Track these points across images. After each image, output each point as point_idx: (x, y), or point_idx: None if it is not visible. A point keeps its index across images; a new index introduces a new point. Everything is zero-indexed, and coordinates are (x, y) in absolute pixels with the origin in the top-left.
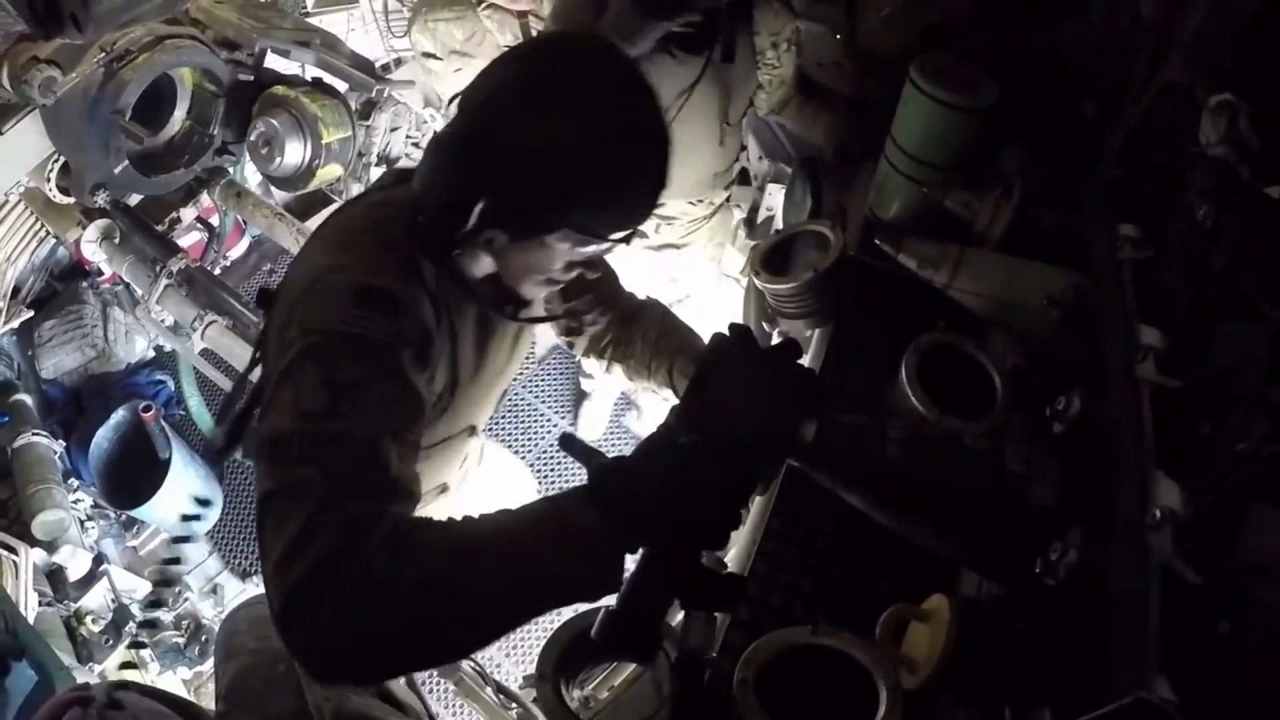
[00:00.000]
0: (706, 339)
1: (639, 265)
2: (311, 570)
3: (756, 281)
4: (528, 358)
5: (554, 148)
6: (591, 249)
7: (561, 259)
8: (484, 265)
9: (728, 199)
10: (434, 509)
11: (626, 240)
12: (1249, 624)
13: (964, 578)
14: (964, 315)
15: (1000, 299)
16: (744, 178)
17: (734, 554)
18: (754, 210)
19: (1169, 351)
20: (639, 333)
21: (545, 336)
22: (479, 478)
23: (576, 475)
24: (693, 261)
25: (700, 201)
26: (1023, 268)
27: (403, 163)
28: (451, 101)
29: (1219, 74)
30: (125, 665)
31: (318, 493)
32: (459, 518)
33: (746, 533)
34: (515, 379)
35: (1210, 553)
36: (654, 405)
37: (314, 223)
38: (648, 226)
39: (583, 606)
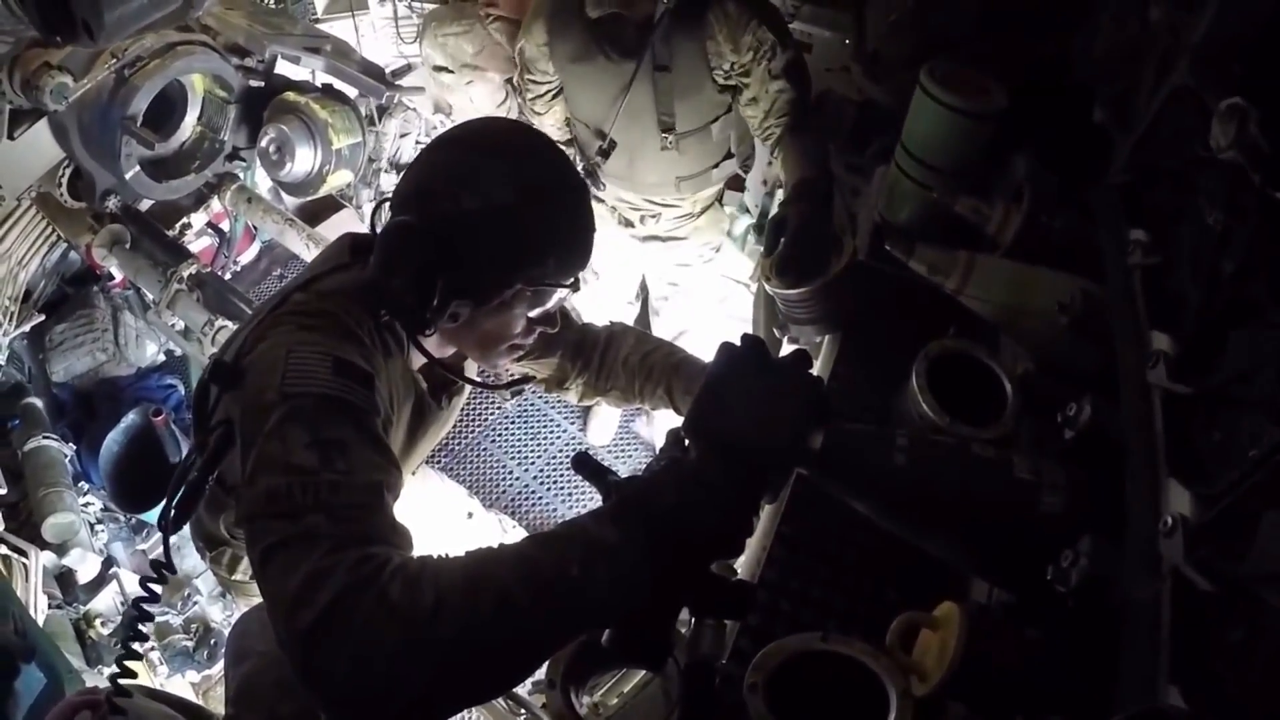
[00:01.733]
0: (707, 339)
1: (635, 258)
2: (328, 609)
3: (767, 287)
4: None
5: (483, 215)
6: (547, 303)
7: (521, 320)
8: (443, 348)
9: (719, 200)
10: None
11: (574, 287)
12: (1262, 632)
13: (974, 585)
14: (974, 321)
15: (1010, 305)
16: (736, 182)
17: (744, 560)
18: (764, 215)
19: (1180, 357)
20: (617, 359)
21: None
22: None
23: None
24: (684, 257)
25: (679, 200)
26: (1033, 273)
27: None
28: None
29: (1228, 78)
30: (126, 656)
31: (325, 537)
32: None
33: (756, 539)
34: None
35: (1222, 560)
36: (663, 411)
37: (324, 228)
38: (632, 216)
39: None
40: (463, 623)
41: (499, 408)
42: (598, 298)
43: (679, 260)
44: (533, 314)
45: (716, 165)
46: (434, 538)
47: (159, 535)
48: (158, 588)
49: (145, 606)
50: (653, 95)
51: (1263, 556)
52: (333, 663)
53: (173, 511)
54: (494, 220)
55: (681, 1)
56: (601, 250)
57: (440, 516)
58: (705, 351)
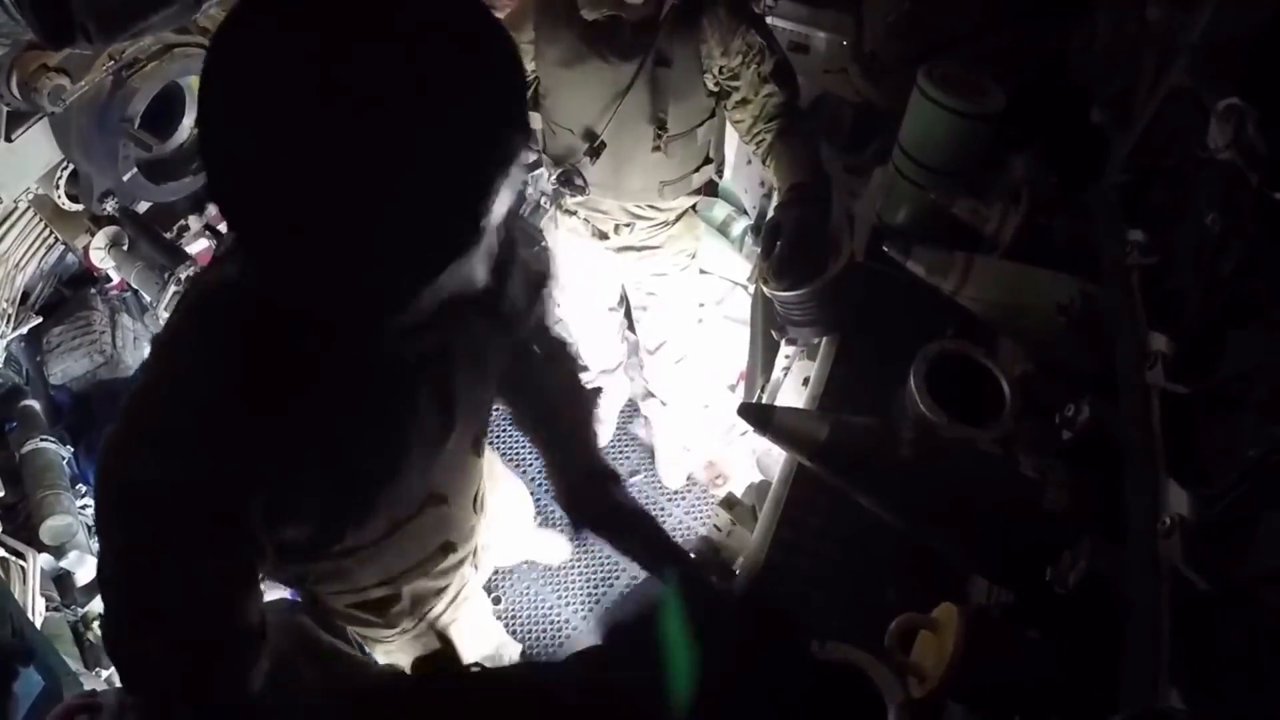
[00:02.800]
0: (690, 347)
1: (610, 269)
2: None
3: (765, 289)
4: None
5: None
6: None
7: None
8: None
9: (693, 207)
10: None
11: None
12: (1261, 633)
13: (973, 587)
14: (972, 322)
15: (1009, 306)
16: (711, 188)
17: (744, 564)
18: (762, 217)
19: (1178, 358)
20: None
21: None
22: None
23: None
24: (660, 266)
25: (657, 209)
26: (1031, 274)
27: None
28: None
29: (1226, 78)
30: None
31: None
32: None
33: (756, 542)
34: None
35: (1221, 561)
36: (660, 415)
37: None
38: (605, 227)
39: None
40: None
41: (496, 408)
42: (577, 308)
43: (655, 270)
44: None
45: (697, 170)
46: None
47: None
48: None
49: None
50: (649, 94)
51: (1261, 557)
52: None
53: None
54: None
55: (681, 2)
56: (577, 264)
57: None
58: (688, 361)
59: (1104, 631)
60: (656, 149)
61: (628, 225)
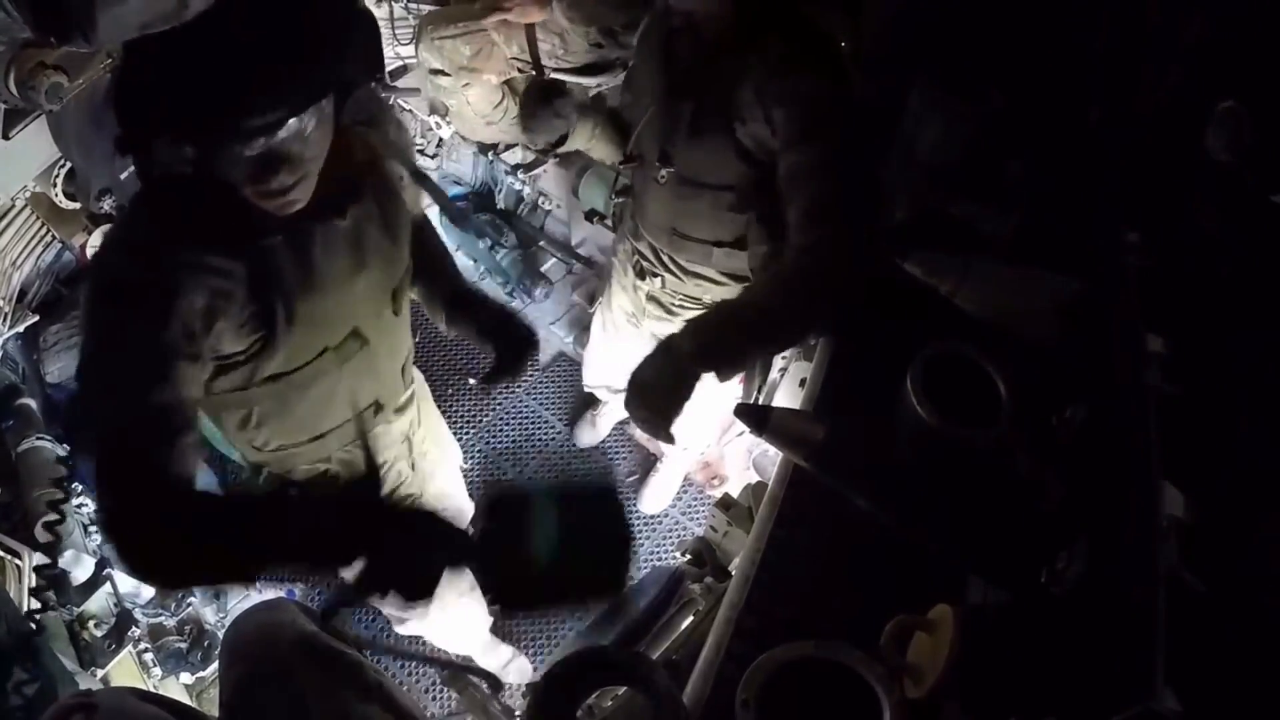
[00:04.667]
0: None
1: (640, 316)
2: None
3: None
4: (532, 365)
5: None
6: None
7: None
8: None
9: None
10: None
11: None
12: (1256, 634)
13: (969, 588)
14: (970, 323)
15: (1006, 307)
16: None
17: (739, 564)
18: None
19: (1175, 360)
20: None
21: (550, 344)
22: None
23: (576, 475)
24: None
25: (679, 264)
26: (1028, 276)
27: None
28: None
29: (1224, 81)
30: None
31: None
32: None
33: (751, 542)
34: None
35: (1217, 563)
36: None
37: None
38: (644, 265)
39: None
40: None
41: (497, 405)
42: (608, 324)
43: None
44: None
45: (720, 245)
46: None
47: None
48: None
49: None
50: (666, 119)
51: (1257, 559)
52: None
53: None
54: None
55: (732, 33)
56: (613, 299)
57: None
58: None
59: (1100, 633)
60: (657, 181)
61: (654, 273)
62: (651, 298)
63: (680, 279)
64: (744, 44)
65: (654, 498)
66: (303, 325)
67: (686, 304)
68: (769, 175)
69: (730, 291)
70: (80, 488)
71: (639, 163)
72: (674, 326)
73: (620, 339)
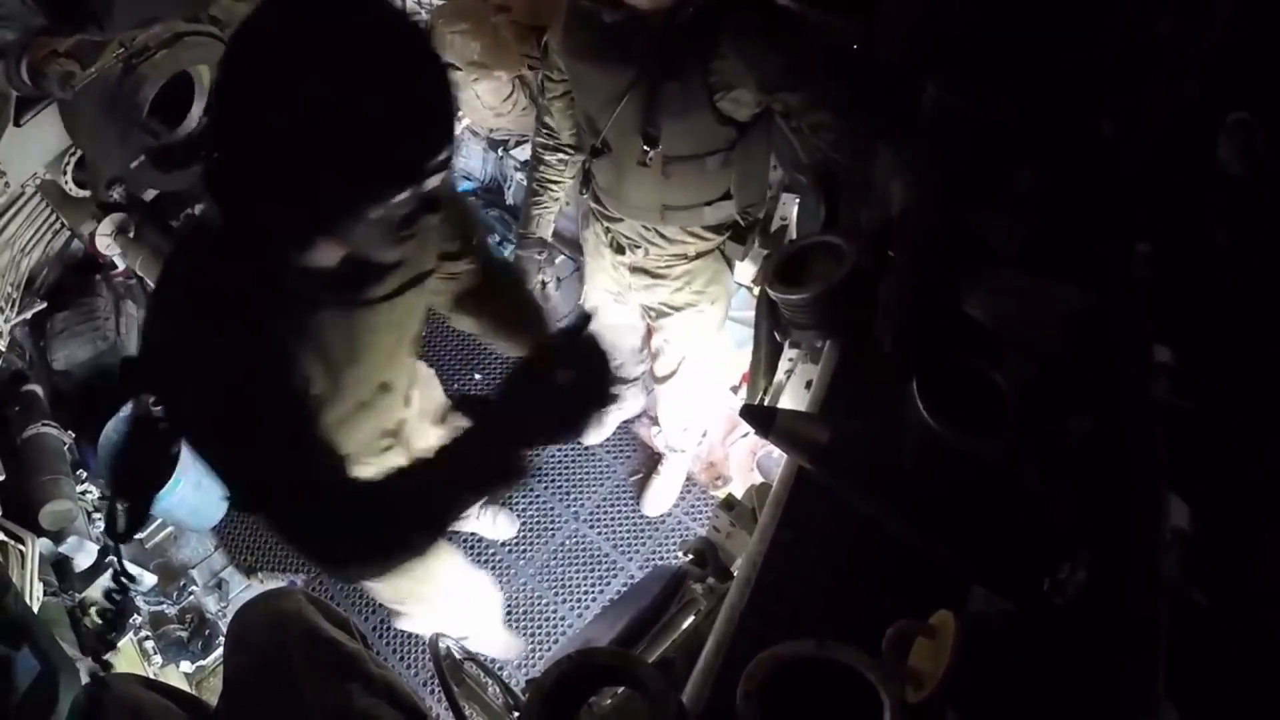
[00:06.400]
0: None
1: (627, 290)
2: None
3: (770, 291)
4: None
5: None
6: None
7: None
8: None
9: (720, 249)
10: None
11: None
12: (1260, 649)
13: (972, 595)
14: (977, 331)
15: (1014, 316)
16: (738, 234)
17: (741, 565)
18: (767, 219)
19: (1183, 372)
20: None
21: None
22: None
23: (580, 473)
24: (671, 299)
25: (664, 237)
26: (1037, 285)
27: None
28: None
29: (1236, 92)
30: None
31: None
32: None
33: (754, 544)
34: None
35: (1221, 576)
36: (666, 424)
37: None
38: (623, 241)
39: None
40: None
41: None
42: (600, 316)
43: (663, 300)
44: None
45: (710, 204)
46: None
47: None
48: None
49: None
50: (643, 104)
51: (1262, 573)
52: None
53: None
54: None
55: (696, 14)
56: (595, 270)
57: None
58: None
59: (1102, 644)
60: (643, 164)
61: (638, 246)
62: (636, 269)
63: (665, 245)
64: (709, 24)
65: (657, 499)
66: (344, 393)
67: (674, 263)
68: (746, 129)
69: (711, 244)
70: (85, 474)
71: (608, 152)
72: (664, 290)
73: (607, 318)
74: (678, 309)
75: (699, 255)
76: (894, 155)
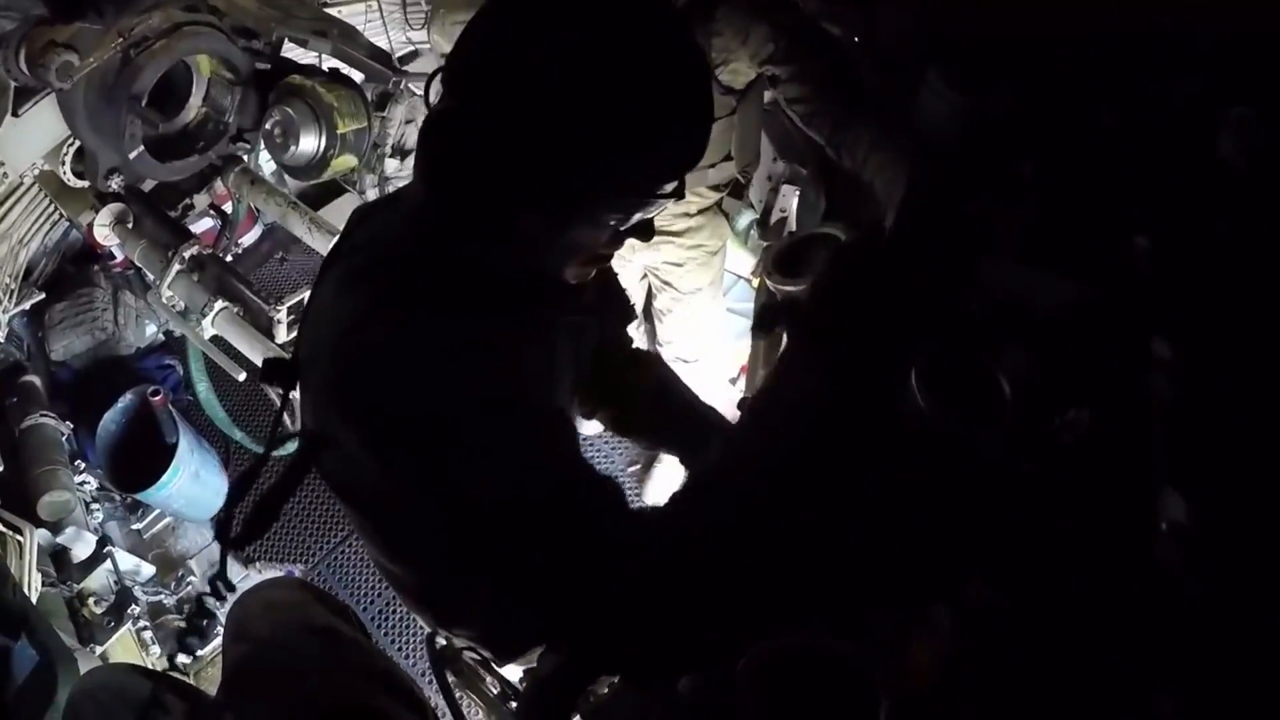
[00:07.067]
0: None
1: (629, 253)
2: None
3: (768, 283)
4: None
5: (574, 105)
6: (644, 212)
7: (607, 230)
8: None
9: (719, 204)
10: None
11: (679, 193)
12: (1256, 641)
13: (969, 588)
14: (974, 323)
15: (1013, 308)
16: (736, 190)
17: None
18: (767, 211)
19: (1181, 364)
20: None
21: None
22: None
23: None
24: (676, 255)
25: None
26: (1036, 277)
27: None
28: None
29: (1236, 86)
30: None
31: None
32: None
33: None
34: None
35: (1218, 568)
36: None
37: (327, 212)
38: None
39: None
40: None
41: None
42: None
43: (669, 259)
44: (624, 223)
45: (713, 165)
46: None
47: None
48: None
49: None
50: None
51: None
52: None
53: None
54: (588, 113)
55: None
56: None
57: None
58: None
59: (1099, 637)
60: None
61: None
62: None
63: (670, 204)
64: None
65: (657, 489)
66: None
67: (676, 221)
68: (743, 94)
69: (711, 201)
70: (83, 466)
71: None
72: (669, 247)
73: None
74: (680, 265)
75: (700, 211)
76: (873, 133)
